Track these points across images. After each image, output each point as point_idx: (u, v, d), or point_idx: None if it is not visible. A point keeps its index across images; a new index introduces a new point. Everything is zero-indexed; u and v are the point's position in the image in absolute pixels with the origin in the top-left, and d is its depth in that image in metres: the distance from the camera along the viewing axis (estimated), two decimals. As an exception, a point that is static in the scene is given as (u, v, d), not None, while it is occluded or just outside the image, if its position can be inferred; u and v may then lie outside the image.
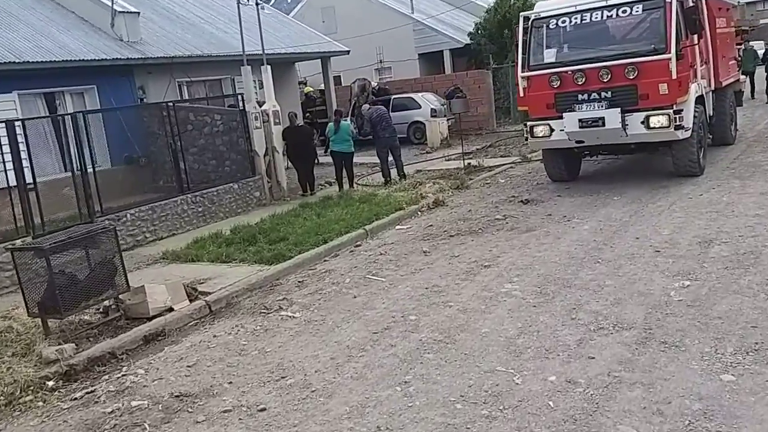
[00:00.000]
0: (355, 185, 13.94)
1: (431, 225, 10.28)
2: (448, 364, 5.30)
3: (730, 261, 6.87)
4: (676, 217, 8.86)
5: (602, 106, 10.57)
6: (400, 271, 8.04)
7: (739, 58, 15.11)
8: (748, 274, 6.45)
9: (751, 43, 23.08)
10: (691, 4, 10.82)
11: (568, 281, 6.85)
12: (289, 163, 14.09)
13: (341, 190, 13.66)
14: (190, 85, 16.02)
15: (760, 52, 22.07)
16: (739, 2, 16.09)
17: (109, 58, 13.54)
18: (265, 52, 14.14)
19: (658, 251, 7.49)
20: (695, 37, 10.86)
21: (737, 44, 16.75)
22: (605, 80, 10.52)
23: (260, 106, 13.24)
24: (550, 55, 11.23)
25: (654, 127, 10.37)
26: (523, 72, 11.43)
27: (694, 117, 10.77)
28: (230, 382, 5.46)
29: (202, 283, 8.21)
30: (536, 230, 9.12)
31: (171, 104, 11.93)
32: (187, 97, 15.84)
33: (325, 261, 9.07)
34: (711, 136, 12.93)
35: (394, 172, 14.21)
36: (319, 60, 20.79)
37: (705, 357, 4.90)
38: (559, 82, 10.93)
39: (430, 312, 6.48)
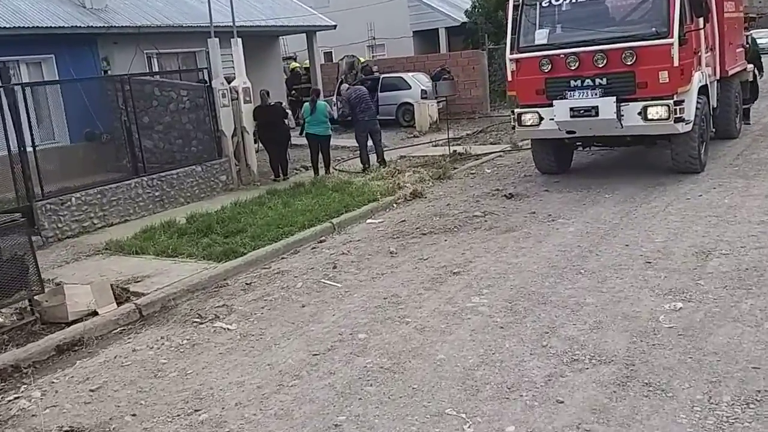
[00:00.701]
0: (331, 171, 13.04)
1: (404, 220, 9.39)
2: (391, 401, 4.45)
3: (730, 278, 6.00)
4: (672, 221, 7.98)
5: (596, 94, 9.65)
6: (361, 275, 7.17)
7: (747, 46, 14.15)
8: (751, 296, 5.59)
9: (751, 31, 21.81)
10: (697, -16, 9.84)
11: (544, 296, 5.99)
12: (261, 145, 13.16)
13: (316, 176, 12.76)
14: (160, 57, 15.03)
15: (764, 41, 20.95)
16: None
17: (68, 25, 12.57)
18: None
19: (649, 263, 6.62)
20: (701, 20, 9.90)
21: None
22: (600, 66, 9.58)
23: (229, 83, 12.27)
24: (541, 37, 10.26)
25: (652, 119, 9.46)
26: (511, 54, 10.48)
27: (697, 109, 9.85)
28: (134, 415, 4.61)
29: (139, 281, 7.36)
30: (516, 231, 8.25)
31: (125, 77, 10.96)
32: (157, 70, 14.87)
33: (282, 258, 8.21)
34: (714, 129, 12.01)
35: (374, 157, 13.31)
36: (305, 35, 19.79)
37: (696, 407, 4.05)
38: (550, 67, 9.99)
39: (383, 329, 5.62)
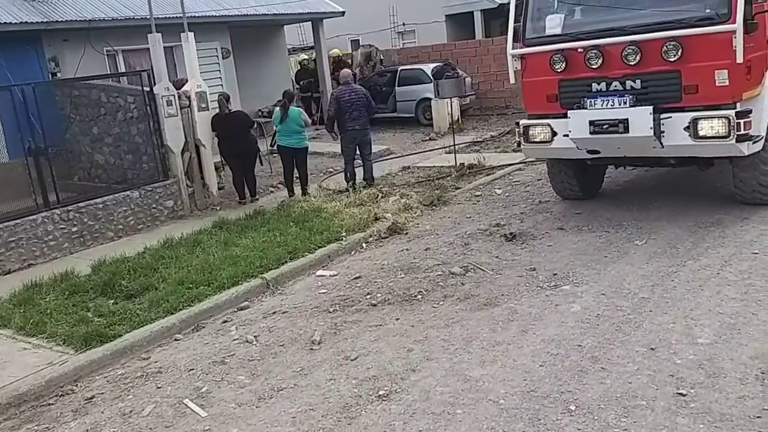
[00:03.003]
0: (309, 190, 10.75)
1: (360, 276, 7.03)
2: None
3: (821, 450, 3.46)
4: (728, 298, 5.37)
5: (626, 102, 7.02)
6: (248, 390, 4.88)
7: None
8: None
9: None
10: (773, -57, 7.06)
11: (495, 473, 3.58)
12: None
13: (291, 197, 10.55)
14: (128, 55, 13.03)
15: None
16: None
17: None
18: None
19: (682, 394, 4.10)
20: (779, -4, 7.13)
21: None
22: (632, 63, 6.95)
23: (177, 87, 10.12)
24: (553, 24, 7.66)
25: (705, 136, 6.79)
26: (514, 48, 7.93)
27: (771, 119, 7.12)
28: None
29: (-49, 385, 5.28)
30: (499, 306, 5.80)
31: (31, 84, 9.01)
32: (124, 70, 12.90)
33: (175, 340, 6.02)
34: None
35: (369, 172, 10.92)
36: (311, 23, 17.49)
37: None
38: (564, 65, 7.42)
39: None
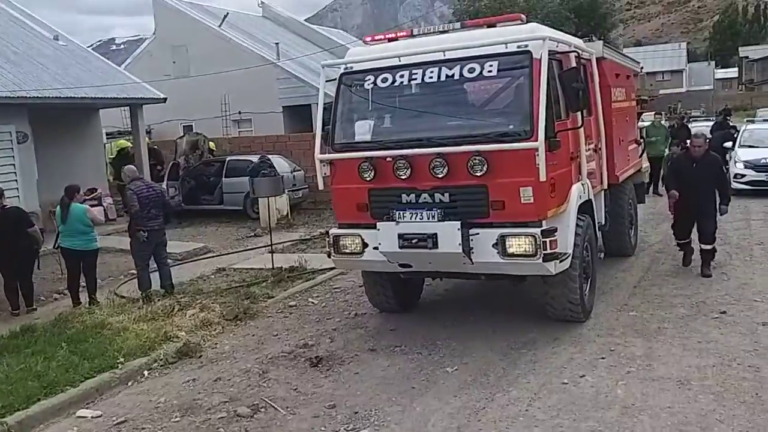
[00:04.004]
0: (98, 299, 9.33)
1: (126, 420, 5.82)
2: None
3: None
4: (535, 445, 4.83)
5: (434, 216, 6.58)
6: None
7: (641, 141, 11.76)
8: None
9: (661, 115, 18.44)
10: (573, 64, 7.09)
11: None
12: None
13: (76, 307, 9.09)
14: None
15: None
16: (642, 69, 12.80)
17: None
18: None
19: None
20: (579, 115, 7.13)
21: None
22: (440, 175, 6.56)
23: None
24: (363, 131, 7.20)
25: (513, 254, 6.46)
26: (323, 152, 7.38)
27: (576, 236, 6.97)
28: None
29: None
30: (283, 461, 4.87)
31: None
32: None
33: None
34: (603, 250, 9.28)
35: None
36: (142, 107, 16.22)
37: None
38: (373, 173, 6.90)
39: None
